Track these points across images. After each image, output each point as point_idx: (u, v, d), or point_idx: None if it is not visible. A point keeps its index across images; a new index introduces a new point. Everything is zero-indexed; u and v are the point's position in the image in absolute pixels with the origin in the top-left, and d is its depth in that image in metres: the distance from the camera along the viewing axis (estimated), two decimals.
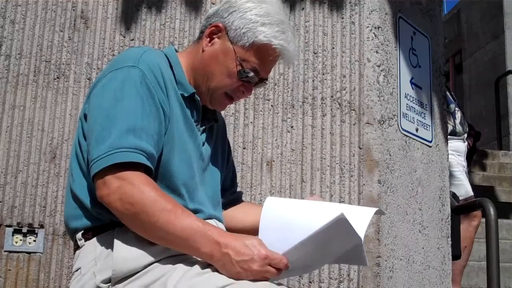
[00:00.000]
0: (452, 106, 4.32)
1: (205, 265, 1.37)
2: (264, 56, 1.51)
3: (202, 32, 1.57)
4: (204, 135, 1.59)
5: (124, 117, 1.36)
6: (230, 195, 1.75)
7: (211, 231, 1.32)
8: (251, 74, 1.50)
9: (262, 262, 1.28)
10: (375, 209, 1.37)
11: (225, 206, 1.69)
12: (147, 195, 1.31)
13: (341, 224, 1.26)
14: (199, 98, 1.55)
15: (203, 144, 1.57)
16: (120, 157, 1.32)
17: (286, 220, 1.38)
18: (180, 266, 1.35)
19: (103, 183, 1.33)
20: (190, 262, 1.37)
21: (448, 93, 4.32)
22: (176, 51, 1.62)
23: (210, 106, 1.60)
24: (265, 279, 1.30)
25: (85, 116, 1.46)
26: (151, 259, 1.37)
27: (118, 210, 1.33)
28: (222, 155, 1.70)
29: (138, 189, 1.31)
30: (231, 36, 1.51)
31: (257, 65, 1.51)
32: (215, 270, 1.34)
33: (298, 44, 2.46)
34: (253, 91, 1.62)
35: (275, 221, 1.39)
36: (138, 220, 1.33)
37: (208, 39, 1.54)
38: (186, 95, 1.52)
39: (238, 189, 1.85)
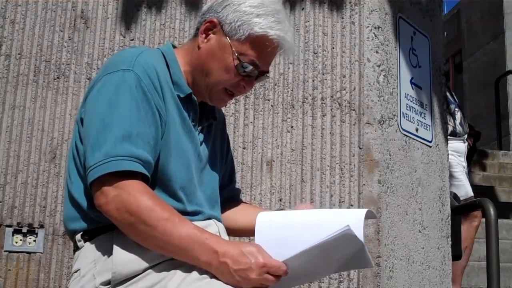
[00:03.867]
0: (453, 106, 4.33)
1: (204, 271, 1.37)
2: (261, 48, 1.47)
3: (197, 29, 1.55)
4: (201, 134, 1.58)
5: (119, 123, 1.35)
6: (228, 192, 1.74)
7: (209, 240, 1.32)
8: (250, 68, 1.47)
9: (260, 271, 1.28)
10: (365, 210, 1.36)
11: (223, 203, 1.68)
12: (143, 204, 1.31)
13: (346, 237, 1.26)
14: (195, 98, 1.54)
15: (201, 144, 1.56)
16: (115, 165, 1.31)
17: (283, 236, 1.37)
18: (180, 271, 1.35)
19: (100, 192, 1.32)
20: (190, 267, 1.37)
21: (448, 94, 4.32)
22: (174, 47, 1.60)
23: (210, 103, 1.58)
24: (265, 287, 1.30)
25: (82, 120, 1.46)
26: (150, 262, 1.36)
27: (115, 219, 1.33)
28: (221, 153, 1.69)
29: (134, 198, 1.31)
30: (226, 30, 1.48)
31: (255, 58, 1.47)
32: (214, 276, 1.34)
33: (296, 36, 2.46)
34: (253, 89, 1.60)
35: (271, 238, 1.37)
36: (136, 229, 1.32)
37: (204, 35, 1.52)
38: (182, 96, 1.51)
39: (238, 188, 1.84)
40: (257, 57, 1.49)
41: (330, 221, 1.33)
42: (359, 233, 1.29)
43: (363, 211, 1.34)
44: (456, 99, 4.51)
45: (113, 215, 1.32)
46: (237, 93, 1.56)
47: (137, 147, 1.34)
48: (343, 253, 1.35)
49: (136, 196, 1.31)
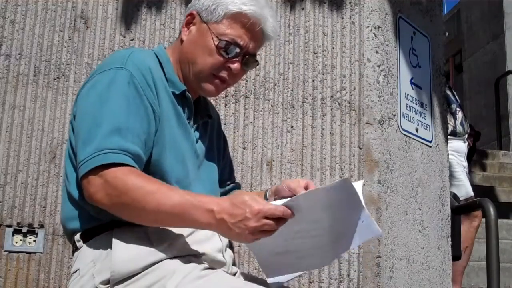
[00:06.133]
0: (454, 106, 4.32)
1: (204, 269, 1.37)
2: (239, 26, 1.51)
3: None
4: (197, 132, 1.59)
5: (109, 119, 1.36)
6: (229, 185, 1.76)
7: (201, 202, 1.32)
8: (232, 46, 1.50)
9: (257, 217, 1.27)
10: (362, 181, 1.40)
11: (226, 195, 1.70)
12: (130, 183, 1.32)
13: (344, 187, 1.27)
14: (190, 95, 1.55)
15: (197, 141, 1.57)
16: (103, 158, 1.33)
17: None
18: (179, 270, 1.35)
19: (88, 183, 1.34)
20: (189, 266, 1.37)
21: (450, 93, 4.32)
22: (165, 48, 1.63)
23: (202, 93, 1.60)
24: (267, 234, 1.29)
25: (74, 118, 1.47)
26: (149, 261, 1.37)
27: (107, 205, 1.34)
28: (218, 151, 1.70)
29: (121, 179, 1.32)
30: (204, 17, 1.53)
31: (235, 36, 1.51)
32: (214, 274, 1.35)
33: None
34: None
35: None
36: (130, 209, 1.33)
37: (185, 28, 1.57)
38: (177, 92, 1.52)
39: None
40: (237, 36, 1.51)
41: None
42: (359, 198, 1.31)
43: (360, 184, 1.37)
44: (457, 98, 4.51)
45: (104, 202, 1.33)
46: (227, 79, 1.56)
47: (126, 140, 1.36)
48: (345, 215, 1.34)
49: (122, 178, 1.32)
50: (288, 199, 1.31)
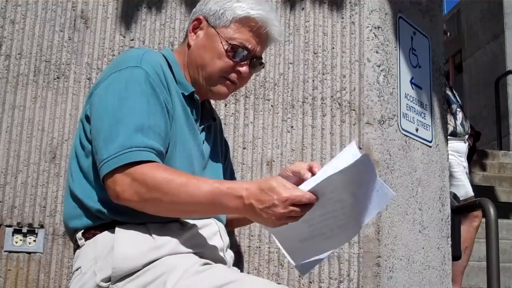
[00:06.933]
0: (454, 106, 4.32)
1: (204, 263, 1.38)
2: (247, 29, 1.54)
3: (187, 31, 1.63)
4: (203, 133, 1.60)
5: (131, 116, 1.38)
6: None
7: (230, 188, 1.34)
8: (240, 50, 1.53)
9: (284, 204, 1.29)
10: (354, 142, 1.43)
11: None
12: (159, 177, 1.33)
13: (364, 163, 1.30)
14: (198, 97, 1.57)
15: (203, 143, 1.59)
16: (131, 156, 1.34)
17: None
18: (180, 265, 1.36)
19: (115, 183, 1.34)
20: (190, 261, 1.38)
21: (450, 93, 4.32)
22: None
23: (211, 97, 1.63)
24: (293, 220, 1.31)
25: (87, 117, 1.47)
26: (150, 257, 1.37)
27: (138, 202, 1.35)
28: (220, 154, 1.72)
29: (149, 176, 1.33)
30: (211, 22, 1.55)
31: (243, 40, 1.54)
32: (214, 268, 1.35)
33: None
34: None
35: None
36: (162, 204, 1.35)
37: (192, 33, 1.59)
38: (186, 94, 1.54)
39: None
40: (245, 39, 1.54)
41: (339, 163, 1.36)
42: (374, 169, 1.37)
43: (354, 144, 1.40)
44: (458, 99, 4.51)
45: (134, 200, 1.34)
46: (237, 81, 1.59)
47: (149, 138, 1.38)
48: (364, 188, 1.37)
49: (150, 173, 1.33)
50: (313, 185, 1.31)
